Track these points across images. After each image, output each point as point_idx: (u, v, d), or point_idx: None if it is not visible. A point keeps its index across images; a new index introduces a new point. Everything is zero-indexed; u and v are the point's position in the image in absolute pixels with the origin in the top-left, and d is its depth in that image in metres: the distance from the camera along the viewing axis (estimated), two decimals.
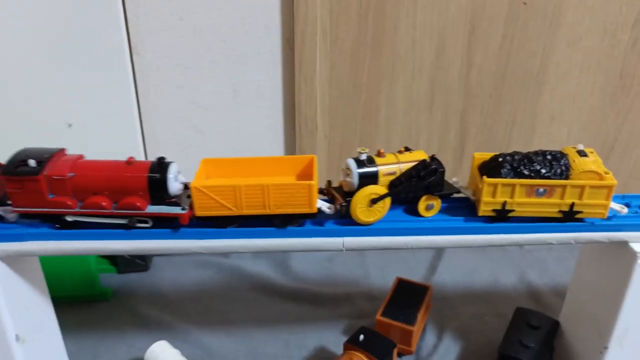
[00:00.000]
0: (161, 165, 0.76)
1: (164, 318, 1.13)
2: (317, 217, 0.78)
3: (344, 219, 0.79)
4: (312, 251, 0.79)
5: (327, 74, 1.23)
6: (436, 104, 1.31)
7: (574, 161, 0.80)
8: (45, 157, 0.76)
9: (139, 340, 1.07)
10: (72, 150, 0.82)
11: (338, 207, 0.78)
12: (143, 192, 0.76)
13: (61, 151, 0.79)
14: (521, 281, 1.24)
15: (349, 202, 0.77)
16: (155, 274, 1.27)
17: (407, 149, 0.85)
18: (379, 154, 0.81)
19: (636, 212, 0.82)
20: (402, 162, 0.81)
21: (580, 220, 0.80)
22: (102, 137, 1.22)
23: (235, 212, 0.76)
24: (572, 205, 0.78)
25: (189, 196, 0.78)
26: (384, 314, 1.02)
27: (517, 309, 1.04)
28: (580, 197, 0.78)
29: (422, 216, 0.82)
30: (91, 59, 1.14)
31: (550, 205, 0.79)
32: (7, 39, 1.11)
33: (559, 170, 0.79)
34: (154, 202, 0.77)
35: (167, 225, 0.78)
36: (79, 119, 1.21)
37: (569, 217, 0.79)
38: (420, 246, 0.80)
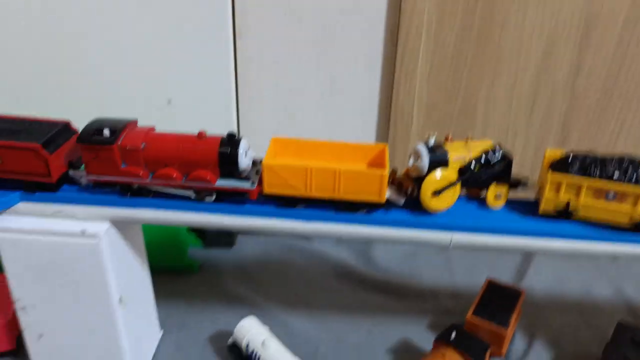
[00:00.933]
0: (232, 140, 0.77)
1: (248, 295, 1.15)
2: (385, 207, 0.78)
3: (410, 210, 0.78)
4: (388, 242, 0.79)
5: (427, 68, 1.22)
6: (537, 107, 1.27)
7: None
8: (119, 128, 0.78)
9: (224, 314, 1.09)
10: (168, 127, 0.83)
11: (410, 189, 0.76)
12: (213, 166, 0.77)
13: (133, 122, 0.81)
14: (617, 294, 1.19)
15: (419, 185, 0.75)
16: (240, 251, 1.30)
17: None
18: (447, 140, 0.80)
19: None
20: (471, 148, 0.80)
21: None
22: (199, 117, 1.25)
23: (303, 192, 0.76)
24: None
25: (257, 172, 0.79)
26: (475, 313, 1.00)
27: (619, 323, 0.99)
28: None
29: (490, 206, 0.80)
30: (195, 38, 1.17)
31: (620, 213, 0.74)
32: (113, 12, 1.14)
33: (634, 177, 0.73)
34: (223, 177, 0.78)
35: (235, 200, 0.79)
36: (179, 96, 1.24)
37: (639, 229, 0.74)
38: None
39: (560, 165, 0.76)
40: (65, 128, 0.82)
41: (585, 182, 0.73)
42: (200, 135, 0.78)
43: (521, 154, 1.32)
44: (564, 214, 0.76)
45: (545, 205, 0.76)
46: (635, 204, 0.73)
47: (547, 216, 0.77)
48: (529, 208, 0.80)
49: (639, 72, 1.21)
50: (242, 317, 0.99)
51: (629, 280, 1.23)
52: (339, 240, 1.31)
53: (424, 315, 1.11)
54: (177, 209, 0.79)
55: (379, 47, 1.20)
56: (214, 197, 0.79)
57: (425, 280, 1.21)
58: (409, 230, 0.78)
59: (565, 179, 0.74)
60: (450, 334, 0.91)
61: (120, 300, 0.86)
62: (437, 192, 0.75)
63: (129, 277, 0.90)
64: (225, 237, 1.30)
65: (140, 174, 0.78)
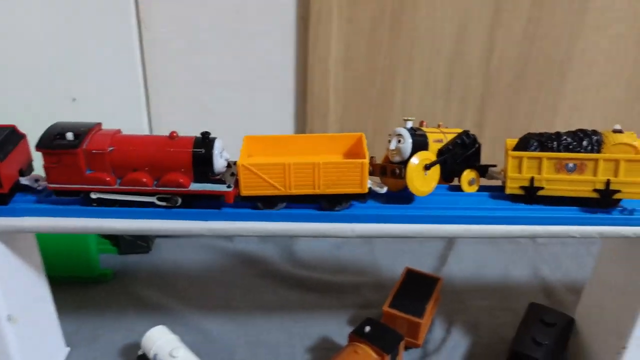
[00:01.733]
0: (206, 141, 0.72)
1: (165, 301, 1.10)
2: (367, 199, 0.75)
3: (389, 204, 0.76)
4: (354, 238, 0.76)
5: (342, 54, 1.18)
6: (454, 90, 1.26)
7: (607, 137, 0.74)
8: (82, 131, 0.72)
9: (139, 324, 1.03)
10: None
11: (397, 170, 0.74)
12: (186, 169, 0.72)
13: (98, 125, 0.75)
14: (534, 276, 1.20)
15: (405, 166, 0.73)
16: (158, 256, 1.24)
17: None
18: (422, 125, 0.81)
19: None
20: (445, 132, 0.80)
21: (618, 202, 0.74)
22: (107, 113, 1.18)
23: (283, 191, 0.73)
24: (608, 183, 0.73)
25: (232, 174, 0.75)
26: (391, 305, 0.98)
27: (531, 304, 0.99)
28: (615, 174, 0.72)
29: (465, 191, 0.80)
30: (97, 31, 1.11)
31: (583, 182, 0.74)
32: (7, 6, 1.07)
33: (589, 146, 0.74)
34: (198, 180, 0.73)
35: (209, 204, 0.74)
36: (83, 93, 1.17)
37: (606, 198, 0.74)
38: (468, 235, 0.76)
39: (520, 145, 0.77)
40: (12, 132, 0.76)
41: (544, 155, 0.74)
42: (172, 136, 0.73)
43: None
44: (531, 190, 0.76)
45: (510, 184, 0.76)
46: (595, 172, 0.73)
47: (516, 197, 0.77)
48: (499, 193, 0.80)
49: (549, 52, 1.21)
50: (157, 324, 0.95)
51: (546, 260, 1.24)
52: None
53: (345, 309, 1.09)
54: (148, 216, 0.74)
55: (291, 33, 1.16)
56: (189, 203, 0.74)
57: (349, 274, 1.19)
58: (400, 226, 0.75)
59: (525, 155, 0.75)
60: (364, 328, 0.89)
61: (9, 318, 0.80)
62: (427, 166, 0.74)
63: (20, 292, 0.84)
64: (141, 242, 1.24)
65: (108, 179, 0.72)
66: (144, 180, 0.72)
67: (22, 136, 0.77)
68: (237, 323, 1.05)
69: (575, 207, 0.76)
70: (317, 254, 1.25)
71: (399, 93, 1.25)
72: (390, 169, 0.76)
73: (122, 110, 1.20)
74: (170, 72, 1.18)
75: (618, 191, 0.73)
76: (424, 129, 0.79)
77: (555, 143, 0.75)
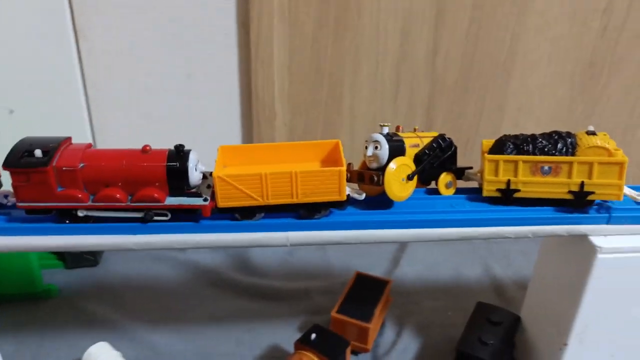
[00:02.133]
0: (180, 154, 0.70)
1: (112, 316, 1.07)
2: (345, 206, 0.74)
3: (368, 210, 0.76)
4: (343, 244, 0.75)
5: (286, 58, 1.18)
6: (401, 92, 1.26)
7: (580, 139, 0.75)
8: (51, 147, 0.69)
9: (83, 340, 1.00)
10: (13, 138, 0.73)
11: (375, 178, 0.74)
12: (161, 183, 0.70)
13: (67, 140, 0.73)
14: (485, 274, 1.21)
15: (383, 173, 0.73)
16: (106, 269, 1.21)
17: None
18: (398, 130, 0.80)
19: (597, 205, 0.78)
20: (421, 137, 0.80)
21: (591, 203, 0.76)
22: (47, 125, 1.15)
23: (260, 202, 0.71)
24: (582, 185, 0.74)
25: (208, 186, 0.73)
26: (339, 311, 0.98)
27: (478, 303, 1.00)
28: (589, 176, 0.74)
29: (443, 194, 0.80)
30: (32, 42, 1.08)
31: (558, 184, 0.75)
32: None
33: (564, 148, 0.75)
34: (173, 194, 0.71)
35: (186, 217, 0.72)
36: (22, 105, 1.14)
37: (581, 199, 0.75)
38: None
39: (496, 148, 0.78)
40: None
41: (520, 158, 0.75)
42: (145, 150, 0.71)
43: None
44: (507, 192, 0.76)
45: (487, 187, 0.77)
46: (569, 174, 0.74)
47: (493, 199, 0.78)
48: (475, 195, 0.80)
49: (492, 53, 1.23)
50: (102, 340, 0.92)
51: (497, 258, 1.26)
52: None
53: (296, 316, 1.08)
54: (124, 232, 0.72)
55: (233, 39, 1.15)
56: (169, 217, 0.72)
57: (301, 280, 1.18)
58: (381, 232, 0.75)
59: (501, 158, 0.75)
60: (310, 336, 0.88)
61: None
62: (410, 177, 0.74)
63: None
64: (88, 256, 1.21)
65: (80, 196, 0.70)
66: (118, 196, 0.70)
67: None
68: (185, 335, 1.03)
69: (550, 208, 0.77)
70: (269, 261, 1.24)
71: (347, 96, 1.25)
72: (369, 176, 0.75)
73: (62, 121, 1.17)
74: (111, 81, 1.16)
75: (592, 192, 0.74)
76: (400, 134, 0.78)
77: (530, 146, 0.76)
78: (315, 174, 0.71)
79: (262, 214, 0.73)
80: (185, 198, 0.71)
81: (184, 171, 0.70)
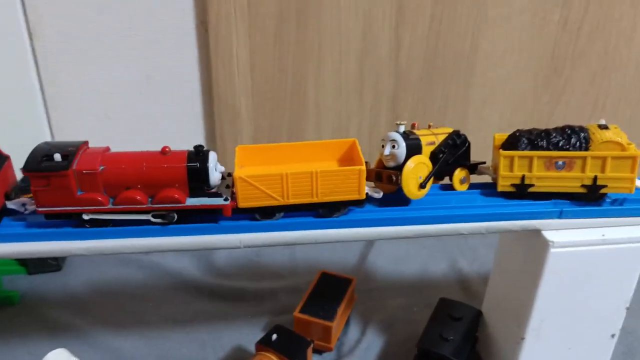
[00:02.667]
0: (199, 154, 0.70)
1: (74, 322, 1.06)
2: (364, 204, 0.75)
3: (385, 207, 0.77)
4: (359, 241, 0.76)
5: (247, 57, 1.16)
6: (366, 87, 1.26)
7: (593, 134, 0.76)
8: (70, 151, 0.69)
9: (44, 348, 0.97)
10: None
11: (393, 177, 0.74)
12: (181, 184, 0.70)
13: (85, 143, 0.72)
14: (451, 269, 1.21)
15: (401, 172, 0.73)
16: (69, 274, 1.19)
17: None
18: (414, 127, 0.80)
19: (550, 200, 0.79)
20: (437, 134, 0.80)
21: (604, 196, 0.77)
22: (4, 129, 1.13)
23: (281, 202, 0.72)
24: (595, 178, 0.75)
25: (227, 186, 0.74)
26: (302, 311, 0.97)
27: (440, 300, 1.00)
28: (602, 170, 0.75)
29: (457, 190, 0.81)
30: None
31: (572, 179, 0.75)
32: None
33: (577, 143, 0.75)
34: (193, 194, 0.71)
35: (205, 219, 0.73)
36: None
37: (593, 192, 0.76)
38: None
39: (510, 143, 0.78)
40: None
41: (535, 154, 0.75)
42: (164, 151, 0.70)
43: (357, 136, 1.31)
44: (522, 187, 0.77)
45: (502, 182, 0.77)
46: (583, 169, 0.75)
47: (507, 194, 0.78)
48: (489, 190, 0.81)
49: (455, 47, 1.23)
50: (63, 346, 0.91)
51: (464, 253, 1.26)
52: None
53: (261, 317, 1.07)
54: (144, 234, 0.71)
55: (192, 37, 1.13)
56: (186, 218, 0.72)
57: (267, 280, 1.18)
58: (399, 228, 0.75)
59: (516, 154, 0.76)
60: (271, 337, 0.88)
61: None
62: (423, 185, 0.75)
63: None
64: (51, 261, 1.19)
65: (100, 199, 0.69)
66: (138, 198, 0.70)
67: (6, 157, 0.74)
68: (148, 339, 1.02)
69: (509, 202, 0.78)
70: (235, 262, 1.23)
71: (311, 93, 1.24)
72: (387, 175, 0.75)
73: (20, 123, 1.15)
74: (68, 82, 1.14)
75: (605, 186, 0.75)
76: (415, 131, 0.79)
77: (544, 141, 0.76)
78: (336, 174, 0.72)
79: (282, 214, 0.74)
80: (206, 198, 0.71)
81: (204, 171, 0.70)
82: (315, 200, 0.72)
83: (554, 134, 0.76)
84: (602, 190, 0.76)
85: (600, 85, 1.32)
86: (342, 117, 1.29)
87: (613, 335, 0.86)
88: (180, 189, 0.70)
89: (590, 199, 0.77)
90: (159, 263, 1.22)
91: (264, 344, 0.87)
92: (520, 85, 1.30)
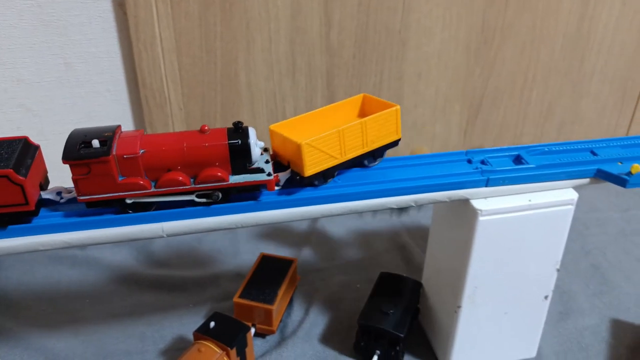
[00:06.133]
0: (239, 131, 0.70)
1: (5, 324, 1.01)
2: None
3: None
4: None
5: (172, 40, 1.12)
6: (299, 67, 1.24)
7: None
8: (107, 136, 0.67)
9: None
10: None
11: None
12: (222, 162, 0.69)
13: (118, 127, 0.70)
14: (394, 244, 1.22)
15: None
16: None
17: None
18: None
19: (477, 169, 0.79)
20: None
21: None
22: None
23: (340, 159, 0.74)
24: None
25: (267, 161, 0.73)
26: (241, 296, 0.96)
27: (381, 274, 1.01)
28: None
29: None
30: None
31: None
32: None
33: None
34: (236, 172, 0.70)
35: (244, 196, 0.72)
36: None
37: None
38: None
39: None
40: (26, 144, 0.69)
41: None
42: (203, 130, 0.70)
43: (295, 115, 1.29)
44: None
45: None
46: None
47: None
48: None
49: (386, 22, 1.22)
50: None
51: (407, 226, 1.27)
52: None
53: (203, 305, 1.05)
54: (188, 217, 0.71)
55: (111, 21, 1.08)
56: (229, 196, 0.71)
57: (208, 267, 1.15)
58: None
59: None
60: (209, 324, 0.86)
61: None
62: None
63: None
64: None
65: (142, 184, 0.68)
66: (181, 179, 0.69)
67: (36, 147, 0.71)
68: (85, 336, 0.99)
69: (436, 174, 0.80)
70: (175, 251, 1.20)
71: (242, 75, 1.21)
72: None
73: None
74: None
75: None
76: None
77: None
78: (378, 118, 0.75)
79: (335, 173, 0.76)
80: (249, 175, 0.71)
81: (247, 148, 0.69)
82: (365, 150, 0.76)
83: None
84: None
85: (530, 56, 1.35)
86: (276, 99, 1.27)
87: (546, 297, 0.88)
88: (222, 167, 0.70)
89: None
90: (96, 257, 1.17)
91: (201, 332, 0.86)
92: (454, 58, 1.31)
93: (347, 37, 1.22)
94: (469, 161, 0.81)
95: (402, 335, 0.87)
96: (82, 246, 0.71)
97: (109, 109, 1.16)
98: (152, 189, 0.69)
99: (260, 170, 0.71)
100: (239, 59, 1.19)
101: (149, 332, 0.99)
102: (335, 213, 0.75)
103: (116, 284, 1.11)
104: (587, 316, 1.02)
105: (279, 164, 0.77)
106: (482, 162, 0.81)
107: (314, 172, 0.73)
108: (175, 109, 1.19)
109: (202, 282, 1.11)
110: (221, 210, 0.72)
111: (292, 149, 0.72)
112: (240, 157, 0.70)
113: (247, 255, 1.19)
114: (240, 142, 0.69)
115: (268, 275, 1.01)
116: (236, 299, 0.95)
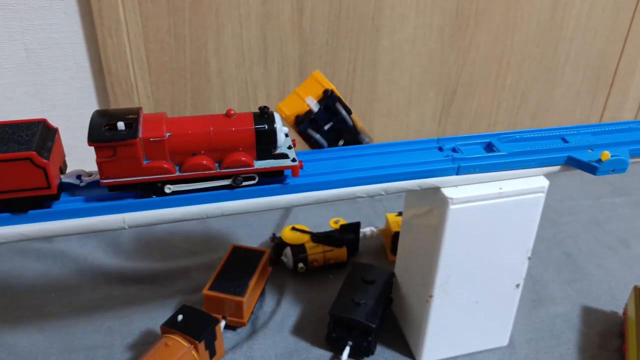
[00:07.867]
0: (265, 116, 0.69)
1: None
2: None
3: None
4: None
5: (138, 25, 1.09)
6: (271, 54, 1.21)
7: None
8: (132, 118, 0.65)
9: None
10: None
11: None
12: (247, 147, 0.69)
13: (140, 109, 0.68)
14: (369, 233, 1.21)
15: None
16: None
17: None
18: None
19: (448, 156, 0.78)
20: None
21: None
22: None
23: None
24: None
25: (290, 147, 0.72)
26: (211, 288, 0.94)
27: (353, 264, 1.00)
28: None
29: None
30: None
31: None
32: None
33: None
34: (261, 157, 0.70)
35: (270, 180, 0.71)
36: None
37: None
38: None
39: None
40: (45, 127, 0.67)
41: None
42: (229, 114, 0.69)
43: (267, 103, 1.27)
44: None
45: None
46: None
47: None
48: None
49: (358, 9, 1.20)
50: None
51: (379, 216, 1.26)
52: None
53: (173, 298, 1.03)
54: (211, 201, 0.70)
55: (73, 5, 1.04)
56: (256, 180, 0.70)
57: (180, 259, 1.13)
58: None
59: None
60: (177, 318, 0.84)
61: None
62: None
63: None
64: None
65: (167, 167, 0.67)
66: (205, 163, 0.68)
67: (55, 130, 0.69)
68: (49, 331, 0.96)
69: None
70: (146, 243, 1.17)
71: (213, 62, 1.18)
72: None
73: None
74: None
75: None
76: None
77: None
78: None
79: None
80: (274, 160, 0.70)
81: (273, 133, 0.69)
82: None
83: None
84: None
85: (504, 43, 1.34)
86: (248, 87, 1.24)
87: (518, 285, 0.88)
88: (247, 152, 0.69)
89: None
90: (62, 250, 1.14)
91: (169, 326, 0.84)
92: (428, 44, 1.30)
93: (319, 23, 1.20)
94: (440, 149, 0.80)
95: (373, 325, 0.86)
96: (109, 230, 0.70)
97: (73, 97, 1.12)
98: (177, 173, 0.68)
99: (284, 156, 0.71)
100: (209, 45, 1.16)
101: (116, 326, 0.97)
102: (303, 203, 0.73)
103: (83, 277, 1.08)
104: (559, 304, 1.03)
105: None
106: (453, 150, 0.80)
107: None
108: (142, 97, 1.15)
109: (172, 274, 1.09)
110: (245, 194, 0.71)
111: None
112: (266, 142, 0.69)
113: (218, 246, 1.17)
114: (266, 127, 0.69)
115: (239, 267, 0.99)
116: (206, 291, 0.93)
